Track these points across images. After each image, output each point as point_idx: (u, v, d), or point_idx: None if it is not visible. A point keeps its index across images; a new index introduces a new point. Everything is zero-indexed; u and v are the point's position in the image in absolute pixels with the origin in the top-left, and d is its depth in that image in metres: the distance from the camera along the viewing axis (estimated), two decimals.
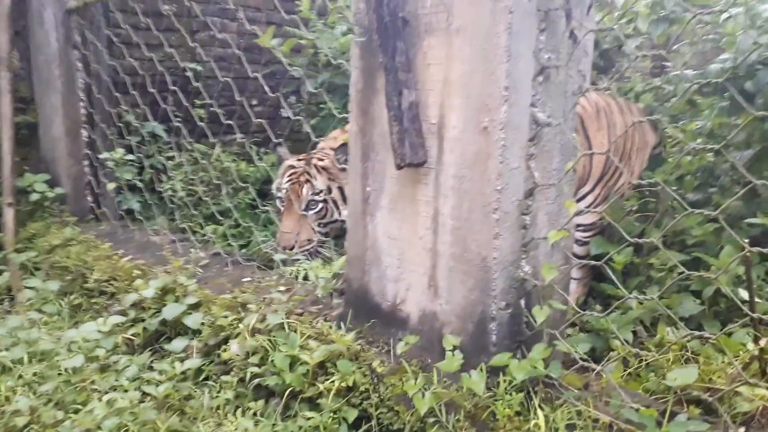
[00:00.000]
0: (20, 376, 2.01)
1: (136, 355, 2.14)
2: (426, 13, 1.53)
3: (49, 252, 3.05)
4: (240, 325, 1.94)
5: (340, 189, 2.64)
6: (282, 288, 2.27)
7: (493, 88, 1.41)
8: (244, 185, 3.24)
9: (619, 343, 1.73)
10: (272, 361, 1.73)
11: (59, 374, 1.98)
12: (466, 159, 1.48)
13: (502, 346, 1.50)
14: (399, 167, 1.55)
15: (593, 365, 1.41)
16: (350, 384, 1.59)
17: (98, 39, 3.49)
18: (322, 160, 2.69)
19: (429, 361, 1.59)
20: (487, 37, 1.41)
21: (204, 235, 3.34)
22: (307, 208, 2.65)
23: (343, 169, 2.54)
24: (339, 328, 1.86)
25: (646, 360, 1.64)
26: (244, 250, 3.27)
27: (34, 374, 2.01)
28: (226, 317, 2.05)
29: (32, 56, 3.75)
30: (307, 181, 2.66)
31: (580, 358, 1.42)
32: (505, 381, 1.39)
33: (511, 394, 1.36)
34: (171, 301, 2.25)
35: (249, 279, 2.46)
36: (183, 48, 3.66)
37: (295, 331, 1.81)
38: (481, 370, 1.41)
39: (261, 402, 1.72)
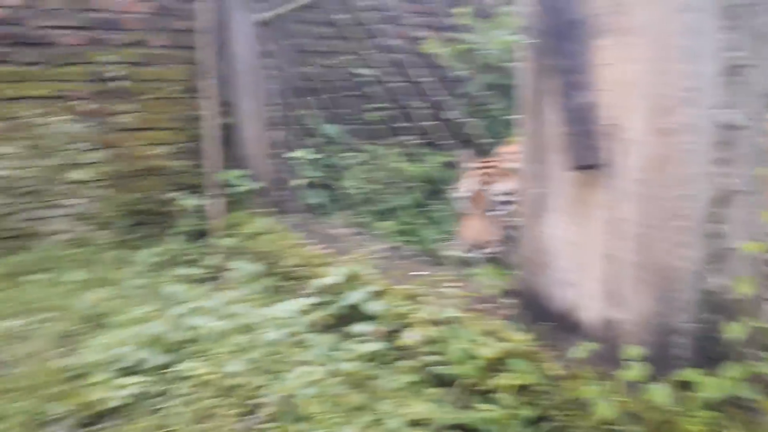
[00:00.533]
0: (231, 344, 2.37)
1: (325, 334, 2.40)
2: (600, 14, 1.52)
3: (249, 239, 3.50)
4: (418, 314, 2.09)
5: None
6: (453, 284, 2.39)
7: (671, 89, 1.37)
8: (417, 184, 3.41)
9: None
10: (448, 352, 1.85)
11: (261, 346, 2.30)
12: (645, 163, 1.45)
13: (686, 361, 1.45)
14: (573, 169, 1.57)
15: None
16: (524, 383, 1.65)
17: (284, 48, 3.90)
18: (505, 163, 2.77)
19: (606, 369, 1.59)
20: (662, 36, 1.37)
21: (377, 230, 3.59)
22: (492, 209, 2.75)
23: None
24: (509, 327, 1.92)
25: None
26: (415, 246, 3.45)
27: (240, 344, 2.36)
28: (403, 306, 2.22)
29: (232, 65, 4.30)
30: (493, 182, 2.77)
31: None
32: (691, 398, 1.35)
33: (698, 413, 1.32)
34: (355, 288, 2.48)
35: (422, 273, 2.62)
36: (356, 55, 3.94)
37: (468, 327, 1.90)
38: (668, 383, 1.38)
39: (436, 389, 1.85)
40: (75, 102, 3.94)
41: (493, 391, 1.71)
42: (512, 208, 2.70)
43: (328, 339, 2.33)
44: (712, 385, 1.33)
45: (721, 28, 1.35)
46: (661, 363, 1.47)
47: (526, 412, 1.61)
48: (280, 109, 3.98)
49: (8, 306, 2.98)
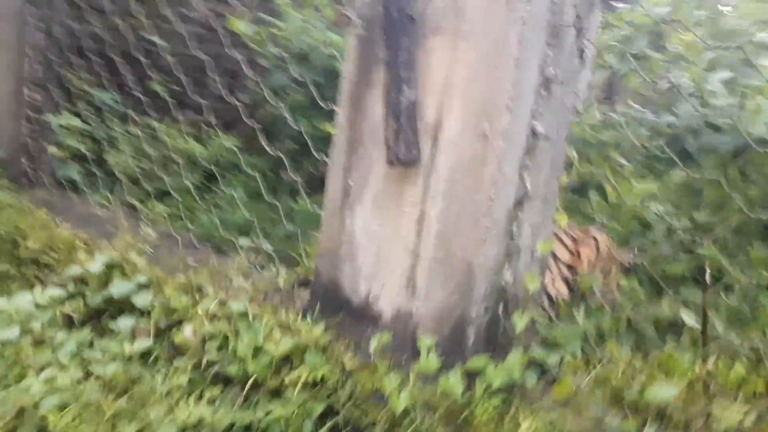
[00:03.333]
0: None
1: (74, 331, 1.99)
2: (435, 14, 1.52)
3: None
4: (197, 309, 1.84)
5: None
6: (240, 276, 2.19)
7: (498, 95, 1.42)
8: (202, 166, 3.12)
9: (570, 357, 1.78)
10: (233, 348, 1.65)
11: None
12: (461, 164, 1.48)
13: (478, 350, 1.50)
14: (391, 164, 1.53)
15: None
16: (317, 378, 1.54)
17: None
18: None
19: (402, 360, 1.57)
20: (496, 44, 1.42)
21: (151, 212, 3.18)
22: None
23: None
24: (304, 320, 1.80)
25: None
26: (196, 233, 3.13)
27: None
28: (179, 300, 1.95)
29: None
30: None
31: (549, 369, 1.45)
32: (481, 386, 1.39)
33: (488, 400, 1.36)
34: (118, 278, 2.11)
35: (202, 263, 2.35)
36: (151, 21, 3.49)
37: (257, 320, 1.74)
38: (458, 372, 1.40)
39: (218, 389, 1.63)
40: None
41: (283, 387, 1.57)
42: None
43: (80, 336, 1.93)
44: (496, 373, 1.38)
45: (546, 44, 1.43)
46: (454, 352, 1.50)
47: (319, 407, 1.50)
48: (45, 66, 3.29)
49: None
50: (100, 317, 2.10)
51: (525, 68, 1.40)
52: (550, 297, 2.33)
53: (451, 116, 1.50)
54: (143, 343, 1.79)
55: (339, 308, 1.77)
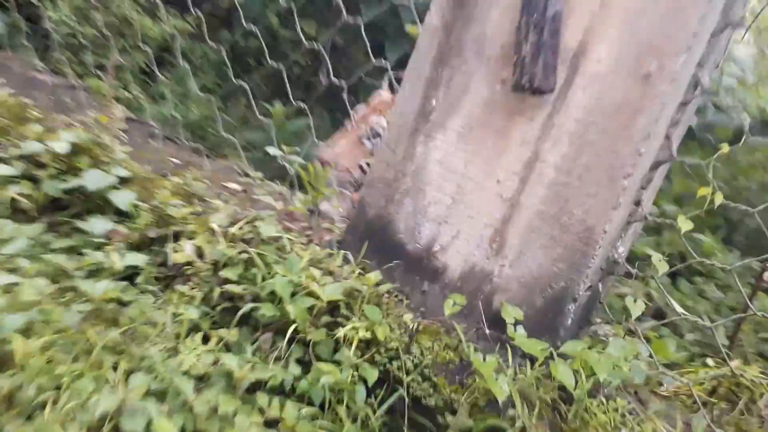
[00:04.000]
0: None
1: (24, 224, 1.52)
2: None
3: None
4: (209, 221, 1.45)
5: None
6: (240, 187, 1.80)
7: (677, 30, 1.12)
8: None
9: None
10: (262, 284, 1.30)
11: None
12: (605, 105, 1.18)
13: (572, 331, 1.26)
14: (520, 89, 1.21)
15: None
16: (371, 337, 1.24)
17: None
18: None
19: (475, 328, 1.30)
20: None
21: (95, 90, 2.62)
22: (369, 137, 2.40)
23: None
24: (342, 259, 1.47)
25: None
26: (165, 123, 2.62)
27: None
28: (175, 207, 1.54)
29: None
30: (381, 114, 2.41)
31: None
32: (583, 377, 1.15)
33: (596, 397, 1.13)
34: (87, 165, 1.64)
35: (189, 164, 1.92)
36: None
37: (294, 252, 1.39)
38: (562, 358, 1.16)
39: (235, 331, 1.28)
40: None
41: (326, 343, 1.25)
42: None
43: (35, 232, 1.48)
44: (604, 364, 1.15)
45: None
46: (545, 330, 1.25)
47: (374, 372, 1.20)
48: None
49: None
50: (55, 211, 1.64)
51: (715, 3, 1.12)
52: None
53: (602, 44, 1.19)
54: (138, 258, 1.38)
55: (386, 251, 1.45)
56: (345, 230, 1.56)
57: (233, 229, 1.42)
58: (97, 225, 1.51)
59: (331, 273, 1.38)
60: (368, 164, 2.42)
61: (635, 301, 1.22)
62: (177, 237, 1.48)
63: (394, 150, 1.46)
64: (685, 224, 1.21)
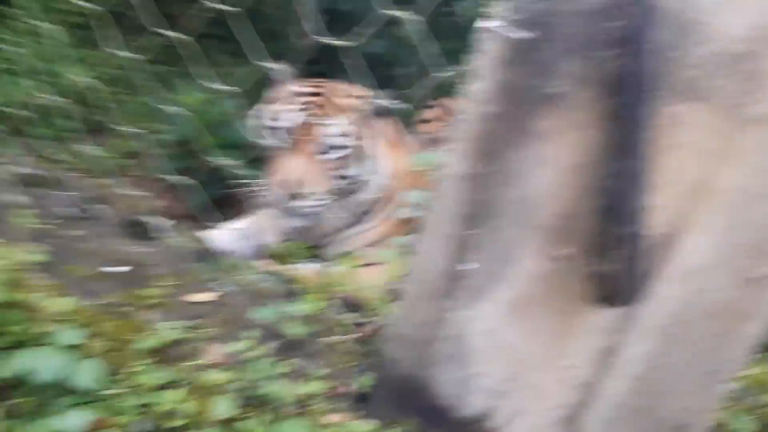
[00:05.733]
0: None
1: None
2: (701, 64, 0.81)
3: None
4: None
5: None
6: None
7: None
8: None
9: None
10: None
11: None
12: (705, 306, 0.95)
13: None
14: (599, 302, 0.95)
15: None
16: None
17: None
18: (337, 94, 2.08)
19: None
20: None
21: None
22: (322, 152, 2.04)
23: None
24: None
25: None
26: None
27: None
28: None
29: None
30: (326, 117, 2.05)
31: None
32: None
33: None
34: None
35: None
36: None
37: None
38: None
39: None
40: None
41: None
42: (346, 153, 2.04)
43: None
44: None
45: None
46: None
47: None
48: None
49: None
50: None
51: None
52: None
53: (697, 234, 0.91)
54: None
55: (422, 416, 1.27)
56: (369, 382, 1.35)
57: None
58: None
59: None
60: (343, 177, 2.08)
61: None
62: None
63: (418, 309, 1.20)
64: None
